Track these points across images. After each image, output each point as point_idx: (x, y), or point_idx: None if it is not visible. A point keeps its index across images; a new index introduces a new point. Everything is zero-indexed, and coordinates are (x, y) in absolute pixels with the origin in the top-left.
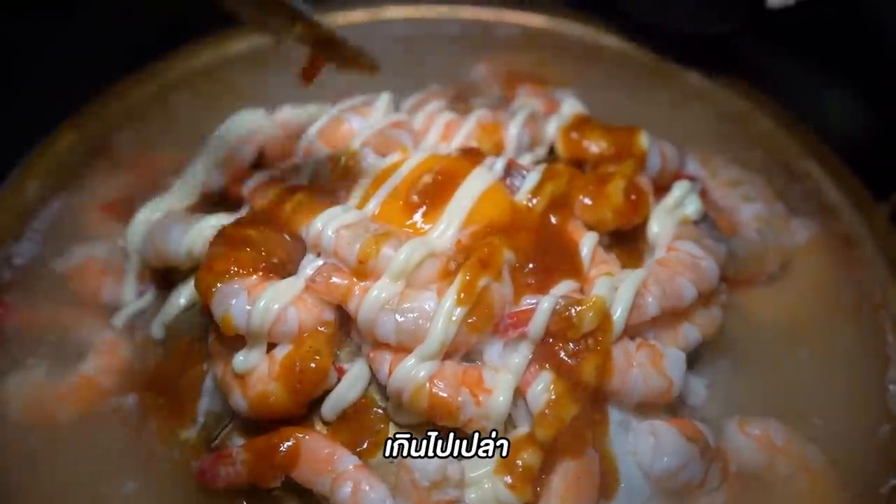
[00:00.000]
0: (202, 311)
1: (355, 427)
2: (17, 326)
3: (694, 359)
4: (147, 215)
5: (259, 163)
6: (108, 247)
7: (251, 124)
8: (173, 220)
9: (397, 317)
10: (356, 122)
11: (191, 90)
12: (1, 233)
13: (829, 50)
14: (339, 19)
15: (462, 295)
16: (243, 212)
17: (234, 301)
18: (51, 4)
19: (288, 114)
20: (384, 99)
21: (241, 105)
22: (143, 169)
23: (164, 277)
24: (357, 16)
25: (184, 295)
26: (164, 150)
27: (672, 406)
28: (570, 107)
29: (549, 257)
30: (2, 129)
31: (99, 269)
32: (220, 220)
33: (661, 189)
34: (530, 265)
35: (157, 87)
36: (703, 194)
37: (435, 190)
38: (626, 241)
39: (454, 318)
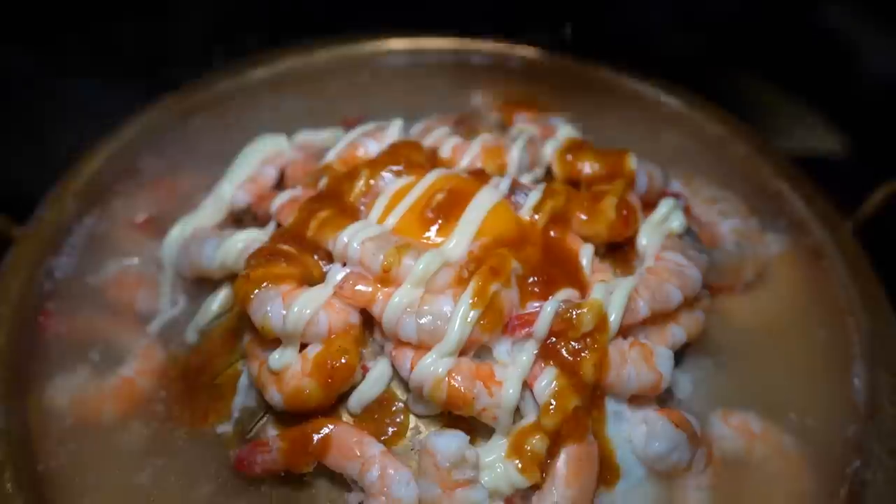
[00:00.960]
0: (238, 316)
1: (379, 419)
2: (59, 334)
3: (680, 358)
4: (180, 231)
5: (281, 183)
6: (141, 260)
7: (272, 147)
8: (207, 236)
9: (418, 319)
10: (372, 145)
11: (210, 116)
12: (43, 247)
13: (798, 78)
14: (345, 51)
15: (475, 299)
16: (270, 227)
17: (270, 306)
18: (72, 34)
19: (305, 138)
20: (397, 124)
21: (258, 130)
22: (166, 190)
23: (196, 288)
24: (362, 48)
25: (217, 302)
26: (186, 173)
27: (661, 399)
28: (565, 132)
29: (552, 268)
30: (40, 153)
31: (133, 281)
32: (250, 234)
33: (648, 206)
34: (534, 278)
35: (178, 113)
36: (686, 210)
37: (448, 206)
38: (617, 251)
39: (469, 320)
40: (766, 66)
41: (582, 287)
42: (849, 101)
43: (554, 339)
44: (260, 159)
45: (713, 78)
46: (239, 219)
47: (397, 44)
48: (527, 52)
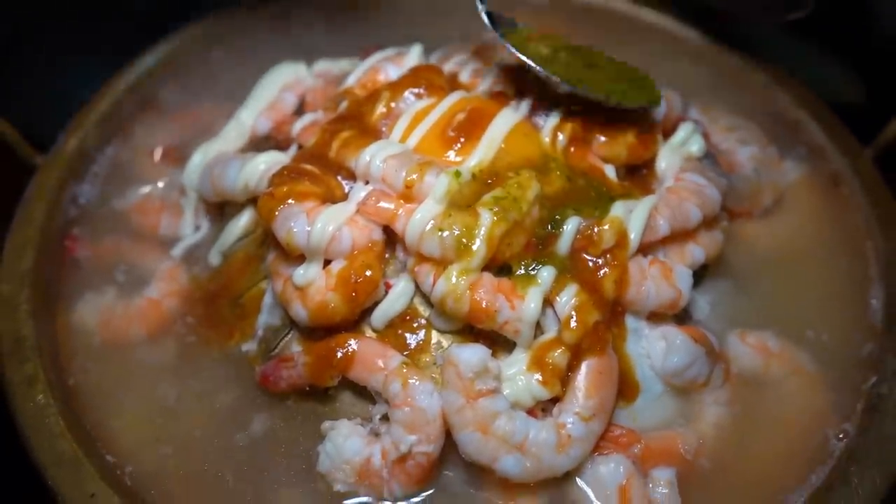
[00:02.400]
0: (259, 240)
1: (402, 334)
2: (85, 257)
3: (699, 281)
4: (202, 156)
5: (301, 109)
6: (164, 186)
7: (292, 75)
8: (229, 158)
9: (440, 234)
10: (392, 70)
11: (230, 47)
12: (66, 174)
13: (818, 22)
14: None
15: (499, 216)
16: (292, 150)
17: (294, 222)
18: None
19: (325, 66)
20: (417, 49)
21: (277, 61)
22: (187, 119)
23: (218, 212)
24: None
25: (239, 225)
26: (206, 102)
27: (680, 320)
28: None
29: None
30: (61, 83)
31: (156, 207)
32: (272, 157)
33: (667, 133)
34: None
35: (198, 43)
36: (705, 137)
37: (469, 126)
38: (636, 174)
39: (492, 236)
40: None
41: None
42: (865, 48)
43: (575, 256)
44: (279, 86)
45: (729, 24)
46: (260, 146)
47: None
48: None
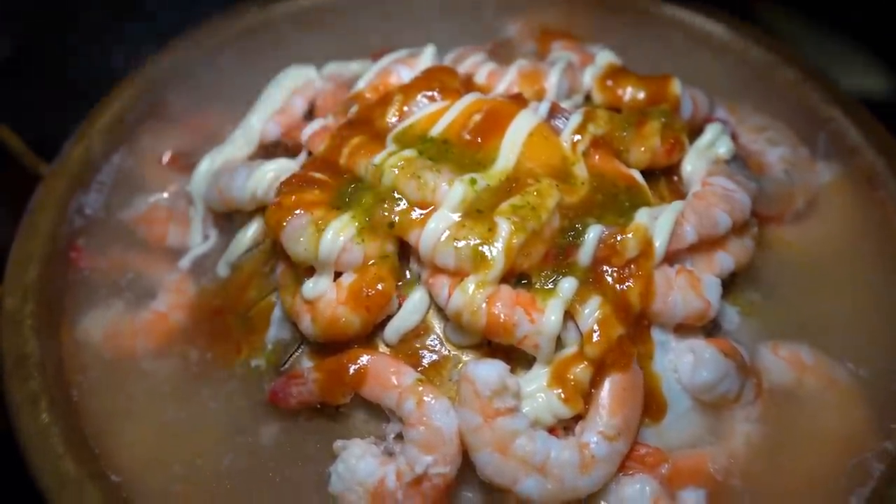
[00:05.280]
0: (268, 250)
1: (416, 350)
2: (91, 269)
3: (728, 289)
4: (209, 164)
5: (311, 114)
6: (171, 195)
7: (301, 78)
8: (237, 167)
9: (455, 245)
10: (404, 72)
11: (237, 51)
12: (71, 184)
13: (846, 16)
14: None
15: (517, 225)
16: (301, 157)
17: (303, 234)
18: None
19: (335, 69)
20: (430, 50)
21: (286, 65)
22: (194, 126)
23: (227, 222)
24: None
25: (248, 235)
26: (214, 108)
27: (709, 331)
28: (604, 57)
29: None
30: (66, 90)
31: (164, 216)
32: (280, 164)
33: (693, 134)
34: None
35: (205, 48)
36: (733, 138)
37: (485, 129)
38: (662, 178)
39: (510, 246)
40: (813, 4)
41: None
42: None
43: (598, 266)
44: (289, 90)
45: (758, 15)
46: (269, 151)
47: None
48: None
